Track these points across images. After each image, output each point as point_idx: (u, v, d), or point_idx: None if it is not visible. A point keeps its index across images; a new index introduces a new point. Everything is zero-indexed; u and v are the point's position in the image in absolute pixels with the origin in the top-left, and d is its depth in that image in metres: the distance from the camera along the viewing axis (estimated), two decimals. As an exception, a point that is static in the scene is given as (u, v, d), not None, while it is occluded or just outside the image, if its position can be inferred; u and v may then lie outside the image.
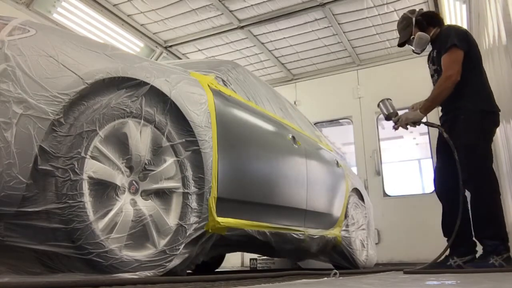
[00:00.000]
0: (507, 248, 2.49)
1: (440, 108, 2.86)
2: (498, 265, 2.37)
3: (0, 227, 1.21)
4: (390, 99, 2.88)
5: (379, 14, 5.00)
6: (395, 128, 2.85)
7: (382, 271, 2.71)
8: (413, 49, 2.92)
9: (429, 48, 2.92)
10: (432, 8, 4.87)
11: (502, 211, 2.55)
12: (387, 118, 2.86)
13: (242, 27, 5.20)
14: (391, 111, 2.84)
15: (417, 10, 2.94)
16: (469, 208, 2.57)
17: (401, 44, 2.97)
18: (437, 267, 2.48)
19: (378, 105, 2.88)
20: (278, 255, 2.89)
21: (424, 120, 2.75)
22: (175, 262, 1.68)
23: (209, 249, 1.96)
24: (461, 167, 2.55)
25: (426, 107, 2.69)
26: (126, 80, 1.57)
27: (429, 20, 2.85)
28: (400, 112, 2.88)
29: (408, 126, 2.79)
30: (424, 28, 2.83)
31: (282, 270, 2.54)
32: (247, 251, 3.35)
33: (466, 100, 2.61)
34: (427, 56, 2.97)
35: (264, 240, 2.29)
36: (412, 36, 2.85)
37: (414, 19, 2.86)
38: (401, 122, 2.77)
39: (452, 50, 2.58)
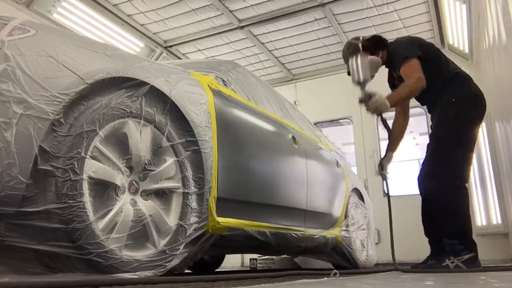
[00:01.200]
0: (469, 247, 2.34)
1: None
2: (454, 267, 2.25)
3: (0, 227, 1.21)
4: (374, 58, 2.63)
5: (379, 14, 5.00)
6: (362, 100, 2.58)
7: (382, 271, 2.71)
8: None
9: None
10: (432, 8, 4.88)
11: (465, 209, 2.45)
12: (358, 84, 2.58)
13: (242, 27, 5.21)
14: (367, 77, 2.58)
15: (361, 37, 2.82)
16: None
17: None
18: (433, 267, 2.43)
19: (350, 61, 2.64)
20: (279, 253, 2.90)
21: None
22: (175, 262, 1.68)
23: (209, 249, 1.96)
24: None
25: (394, 102, 2.56)
26: (126, 80, 1.57)
27: (376, 44, 2.75)
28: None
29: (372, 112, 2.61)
30: (372, 52, 2.72)
31: (282, 270, 2.53)
32: (247, 252, 3.35)
33: (440, 94, 2.63)
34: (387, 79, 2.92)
35: (264, 240, 2.29)
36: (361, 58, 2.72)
37: (360, 44, 2.74)
38: (371, 105, 2.51)
39: (406, 62, 2.53)
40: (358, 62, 2.58)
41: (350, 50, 2.77)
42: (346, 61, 2.83)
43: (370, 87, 2.66)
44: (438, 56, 2.69)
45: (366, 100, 2.53)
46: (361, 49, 2.71)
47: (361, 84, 2.58)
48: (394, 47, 2.69)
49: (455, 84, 2.63)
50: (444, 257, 2.35)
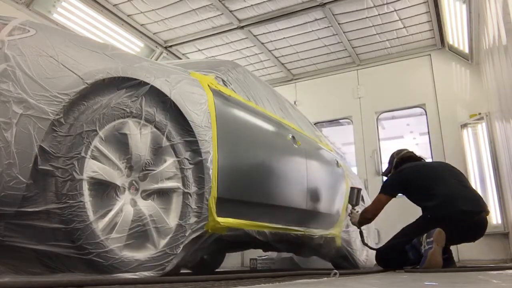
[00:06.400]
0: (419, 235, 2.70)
1: None
2: (427, 245, 2.53)
3: (0, 227, 1.22)
4: (361, 189, 3.33)
5: (379, 14, 5.00)
6: (349, 215, 3.27)
7: (382, 271, 2.71)
8: None
9: None
10: (432, 8, 4.87)
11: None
12: (350, 203, 3.27)
13: (242, 27, 5.20)
14: (357, 201, 3.25)
15: (406, 151, 3.28)
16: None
17: (383, 175, 3.47)
18: (422, 264, 2.51)
19: (351, 190, 3.31)
20: (279, 250, 2.98)
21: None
22: (175, 262, 1.68)
23: (209, 248, 1.96)
24: None
25: (359, 222, 3.14)
26: (126, 80, 1.57)
27: (402, 163, 3.15)
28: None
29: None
30: (397, 167, 3.18)
31: (282, 270, 2.53)
32: (247, 249, 3.35)
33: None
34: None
35: (264, 240, 2.29)
36: (390, 174, 3.26)
37: (395, 159, 3.24)
38: (351, 218, 3.22)
39: (378, 196, 3.01)
40: (352, 194, 3.29)
41: (390, 158, 3.35)
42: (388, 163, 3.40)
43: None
44: (422, 185, 2.89)
45: (351, 213, 3.25)
46: (394, 163, 3.25)
47: (350, 203, 3.30)
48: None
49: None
50: (419, 253, 2.61)
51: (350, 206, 3.30)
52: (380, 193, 3.02)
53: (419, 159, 3.21)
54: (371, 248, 3.31)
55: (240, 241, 2.17)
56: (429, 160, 3.52)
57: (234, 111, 2.22)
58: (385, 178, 3.41)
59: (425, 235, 2.61)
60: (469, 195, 2.79)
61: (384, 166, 5.78)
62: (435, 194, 2.77)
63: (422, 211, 2.87)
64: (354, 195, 3.26)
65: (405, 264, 2.75)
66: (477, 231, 2.75)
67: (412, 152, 3.28)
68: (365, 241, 3.25)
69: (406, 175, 3.00)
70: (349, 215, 3.27)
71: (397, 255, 2.79)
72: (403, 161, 3.19)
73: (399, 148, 3.45)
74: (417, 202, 2.95)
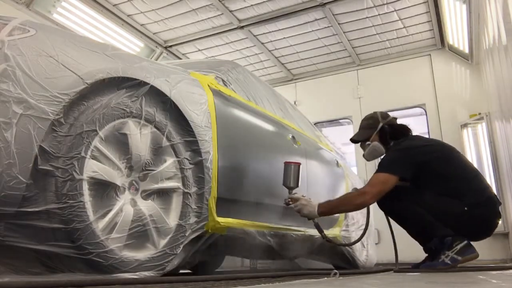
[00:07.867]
0: (458, 236, 2.30)
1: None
2: (450, 261, 2.24)
3: (0, 227, 1.22)
4: (299, 165, 2.34)
5: (379, 14, 5.00)
6: (286, 203, 2.37)
7: (382, 271, 2.71)
8: (363, 153, 2.66)
9: None
10: (432, 8, 4.87)
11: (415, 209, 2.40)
12: (285, 185, 2.34)
13: (242, 27, 5.21)
14: (294, 181, 2.33)
15: (391, 117, 2.65)
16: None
17: (354, 141, 2.72)
18: (431, 266, 2.42)
19: (285, 166, 2.34)
20: (277, 257, 2.86)
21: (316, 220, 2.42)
22: (175, 262, 1.68)
23: (208, 250, 1.96)
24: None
25: (324, 212, 2.36)
26: (126, 80, 1.57)
27: (394, 134, 2.55)
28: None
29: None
30: (385, 139, 2.55)
31: (282, 270, 2.53)
32: (246, 256, 3.33)
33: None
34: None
35: (264, 241, 2.29)
36: (368, 142, 2.59)
37: (381, 124, 2.58)
38: (296, 207, 2.34)
39: (384, 175, 2.34)
40: (287, 170, 2.32)
41: (370, 122, 2.66)
42: (361, 127, 2.70)
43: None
44: (447, 172, 2.37)
45: (291, 200, 2.35)
46: (378, 129, 2.58)
47: (285, 185, 2.35)
48: (391, 153, 2.49)
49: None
50: (439, 253, 2.33)
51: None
52: (385, 172, 2.33)
53: (408, 129, 2.60)
54: (339, 245, 2.88)
55: (240, 242, 2.17)
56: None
57: (234, 111, 2.22)
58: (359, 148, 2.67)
59: (461, 245, 2.25)
60: (495, 194, 2.43)
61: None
62: (471, 188, 2.33)
63: (435, 195, 2.34)
64: (291, 173, 2.30)
65: (415, 234, 2.48)
66: (492, 231, 2.45)
67: (396, 119, 2.66)
68: (325, 235, 2.48)
69: (427, 155, 2.37)
70: (287, 203, 2.34)
71: (416, 228, 2.43)
72: (395, 131, 2.56)
73: (381, 111, 2.74)
74: (434, 188, 2.36)
